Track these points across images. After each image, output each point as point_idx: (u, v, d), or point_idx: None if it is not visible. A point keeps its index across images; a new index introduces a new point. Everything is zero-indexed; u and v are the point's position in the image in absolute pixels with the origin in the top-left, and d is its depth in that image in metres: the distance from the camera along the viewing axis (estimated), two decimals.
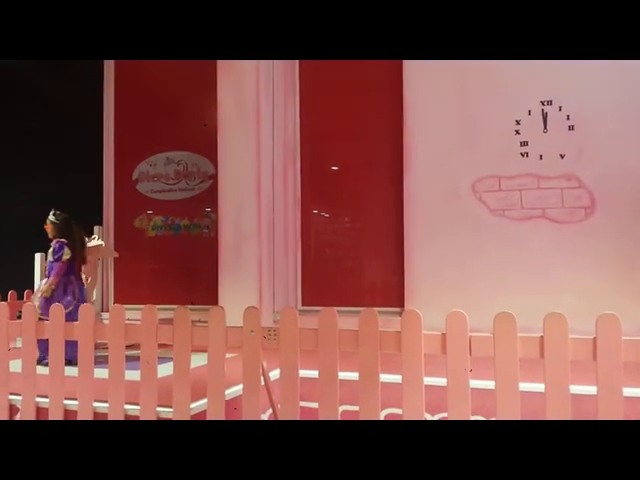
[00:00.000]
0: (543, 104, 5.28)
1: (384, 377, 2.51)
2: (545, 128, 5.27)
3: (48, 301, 4.30)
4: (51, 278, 4.60)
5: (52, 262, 4.69)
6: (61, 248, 4.69)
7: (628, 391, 2.25)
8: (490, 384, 2.32)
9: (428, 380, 2.45)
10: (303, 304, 6.03)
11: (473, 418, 3.02)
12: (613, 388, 2.15)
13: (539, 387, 2.26)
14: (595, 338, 2.17)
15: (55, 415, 3.07)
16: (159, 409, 2.86)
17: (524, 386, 2.31)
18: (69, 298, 4.63)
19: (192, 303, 5.48)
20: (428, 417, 3.24)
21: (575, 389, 2.28)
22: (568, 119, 5.20)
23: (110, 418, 2.93)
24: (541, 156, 5.25)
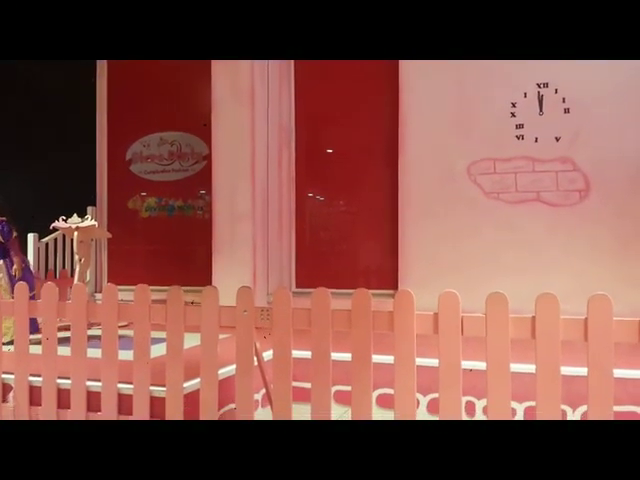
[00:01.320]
0: (539, 87, 5.25)
1: (376, 357, 2.52)
2: (541, 111, 5.25)
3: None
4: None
5: (2, 242, 4.70)
6: (6, 226, 4.74)
7: (619, 372, 2.26)
8: (481, 365, 2.34)
9: (420, 361, 2.46)
10: (297, 286, 6.04)
11: (464, 399, 3.06)
12: (603, 369, 2.16)
13: (530, 368, 2.28)
14: (586, 319, 2.18)
15: (48, 394, 3.07)
16: (152, 388, 2.87)
17: (515, 367, 2.32)
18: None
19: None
20: (420, 397, 3.27)
21: (566, 370, 2.29)
22: (564, 102, 5.18)
23: (103, 397, 2.94)
24: (536, 139, 5.23)
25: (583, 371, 2.22)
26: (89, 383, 3.02)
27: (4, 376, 3.22)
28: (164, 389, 2.81)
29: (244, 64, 5.75)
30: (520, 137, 5.28)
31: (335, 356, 2.56)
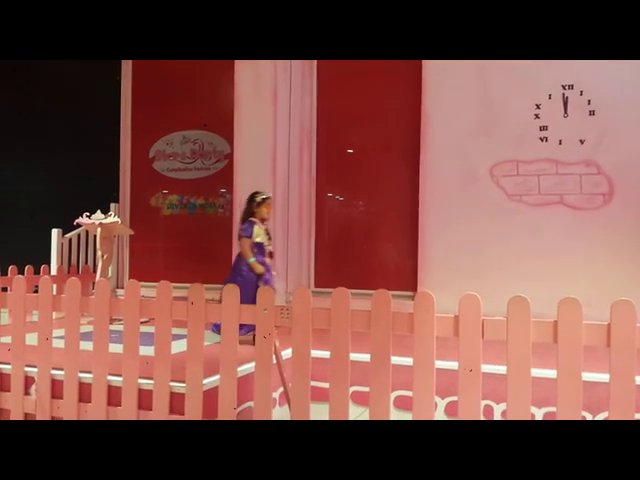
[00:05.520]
0: (564, 88, 5.19)
1: (395, 359, 2.52)
2: (565, 113, 5.19)
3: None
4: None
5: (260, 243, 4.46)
6: (249, 226, 4.40)
7: None
8: (502, 369, 2.32)
9: (439, 363, 2.45)
10: (316, 286, 6.04)
11: (483, 403, 3.04)
12: (626, 376, 2.13)
13: (551, 373, 2.25)
14: (609, 324, 2.16)
15: (70, 387, 3.12)
16: (172, 384, 2.90)
17: (536, 372, 2.30)
18: None
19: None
20: (438, 400, 3.26)
21: (587, 376, 2.27)
22: (589, 104, 5.11)
23: (124, 392, 2.98)
24: (560, 141, 5.17)
25: (605, 377, 2.19)
26: (110, 378, 3.06)
27: (27, 369, 3.28)
28: (184, 385, 2.84)
29: (267, 64, 5.77)
30: (544, 139, 5.22)
31: (354, 356, 2.56)
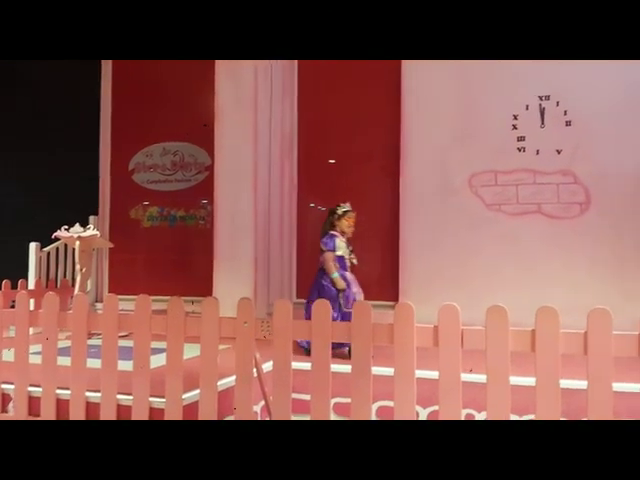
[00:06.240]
0: (541, 99, 5.27)
1: (376, 369, 2.52)
2: (542, 123, 5.27)
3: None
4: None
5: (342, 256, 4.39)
6: (330, 241, 4.35)
7: (618, 386, 2.26)
8: (481, 377, 2.33)
9: (420, 373, 2.45)
10: (298, 297, 6.03)
11: (464, 411, 3.05)
12: (603, 383, 2.15)
13: (530, 381, 2.27)
14: (586, 332, 2.18)
15: (47, 404, 3.07)
16: (152, 399, 2.87)
17: (515, 380, 2.32)
18: None
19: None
20: (419, 410, 3.26)
21: (565, 383, 2.29)
22: (565, 115, 5.20)
23: (102, 408, 2.93)
24: (538, 151, 5.25)
25: (583, 384, 2.21)
26: (89, 394, 3.01)
27: (4, 386, 3.21)
28: (163, 400, 2.81)
29: (247, 74, 5.79)
30: (522, 149, 5.29)
31: (335, 368, 2.56)
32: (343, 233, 4.34)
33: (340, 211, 4.34)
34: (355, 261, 4.36)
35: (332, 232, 4.29)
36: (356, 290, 4.22)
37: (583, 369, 2.19)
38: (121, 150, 6.82)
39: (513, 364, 2.27)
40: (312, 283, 4.38)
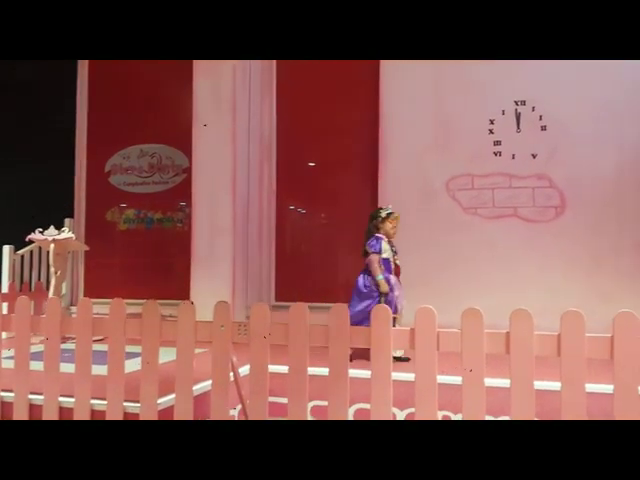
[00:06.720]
0: (517, 104, 5.35)
1: (353, 372, 2.52)
2: (518, 128, 5.34)
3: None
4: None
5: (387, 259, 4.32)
6: (376, 243, 4.30)
7: (591, 387, 2.29)
8: (457, 379, 2.35)
9: (397, 375, 2.46)
10: (276, 300, 6.02)
11: (440, 413, 3.06)
12: (576, 384, 2.18)
13: (505, 382, 2.29)
14: (559, 334, 2.21)
15: (20, 409, 3.01)
16: (126, 404, 2.83)
17: (490, 382, 2.34)
18: None
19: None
20: (396, 412, 3.27)
21: (540, 385, 2.31)
22: (541, 119, 5.28)
23: (75, 413, 2.89)
24: (514, 155, 5.32)
25: (557, 386, 2.24)
26: (62, 399, 2.96)
27: None
28: (138, 405, 2.77)
29: (226, 75, 5.77)
30: (498, 153, 5.36)
31: (312, 371, 2.55)
32: (387, 235, 4.33)
33: (383, 213, 4.33)
34: (399, 262, 4.34)
35: (377, 235, 4.29)
36: (398, 294, 4.20)
37: (557, 371, 2.22)
38: (97, 152, 6.74)
39: (488, 366, 2.29)
40: (353, 286, 4.33)
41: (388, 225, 4.32)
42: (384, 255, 4.24)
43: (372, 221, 4.36)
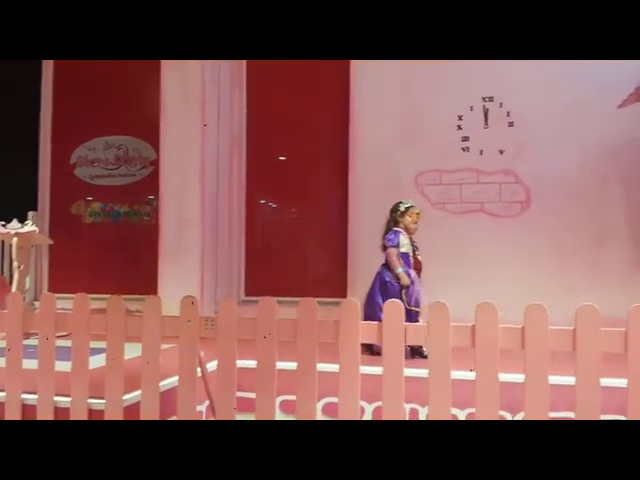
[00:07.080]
0: (484, 100, 5.41)
1: (322, 366, 2.52)
2: (486, 124, 5.41)
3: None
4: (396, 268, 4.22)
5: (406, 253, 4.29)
6: (394, 237, 4.29)
7: (555, 379, 2.34)
8: (424, 372, 2.37)
9: (366, 369, 2.47)
10: (246, 294, 5.99)
11: (408, 406, 3.10)
12: (540, 376, 2.22)
13: (470, 375, 2.32)
14: (523, 327, 2.25)
15: None
16: (90, 401, 2.78)
17: (456, 374, 2.37)
18: None
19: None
20: (365, 405, 3.29)
21: (505, 377, 2.35)
22: (508, 115, 5.36)
23: (39, 411, 2.82)
24: (481, 151, 5.39)
25: (521, 378, 2.28)
26: (24, 396, 2.89)
27: None
28: (103, 402, 2.73)
29: (194, 68, 5.69)
30: (466, 149, 5.42)
31: (280, 365, 2.55)
32: (407, 230, 4.30)
33: (403, 207, 4.31)
34: (420, 257, 4.31)
35: (396, 228, 4.26)
36: (419, 288, 4.18)
37: (522, 363, 2.26)
38: (62, 143, 6.59)
39: (455, 359, 2.31)
40: (372, 281, 4.30)
41: (407, 219, 4.31)
42: (402, 249, 4.23)
43: (391, 215, 4.36)
